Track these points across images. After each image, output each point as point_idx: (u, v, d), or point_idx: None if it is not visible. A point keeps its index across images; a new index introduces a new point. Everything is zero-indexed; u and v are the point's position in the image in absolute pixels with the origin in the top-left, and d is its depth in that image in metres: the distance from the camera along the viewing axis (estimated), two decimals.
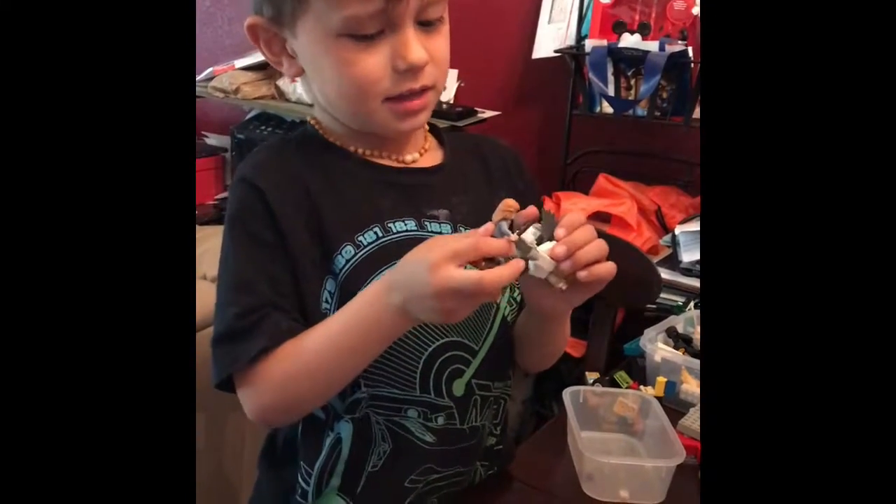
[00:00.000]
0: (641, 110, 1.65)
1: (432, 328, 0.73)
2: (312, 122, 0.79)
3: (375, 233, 0.73)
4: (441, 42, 0.71)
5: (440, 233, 0.75)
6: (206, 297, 0.74)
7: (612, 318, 1.23)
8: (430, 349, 0.73)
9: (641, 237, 1.60)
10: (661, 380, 1.07)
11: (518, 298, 0.81)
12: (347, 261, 0.72)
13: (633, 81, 1.65)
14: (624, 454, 0.92)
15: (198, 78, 1.93)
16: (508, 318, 0.79)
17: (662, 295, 1.39)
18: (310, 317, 0.72)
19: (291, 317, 0.70)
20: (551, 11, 1.83)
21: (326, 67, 0.69)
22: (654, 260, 1.49)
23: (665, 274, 1.41)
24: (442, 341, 0.74)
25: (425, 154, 0.79)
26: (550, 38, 1.81)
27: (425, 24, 0.69)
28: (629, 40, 1.64)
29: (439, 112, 1.71)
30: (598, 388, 1.03)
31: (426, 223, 0.75)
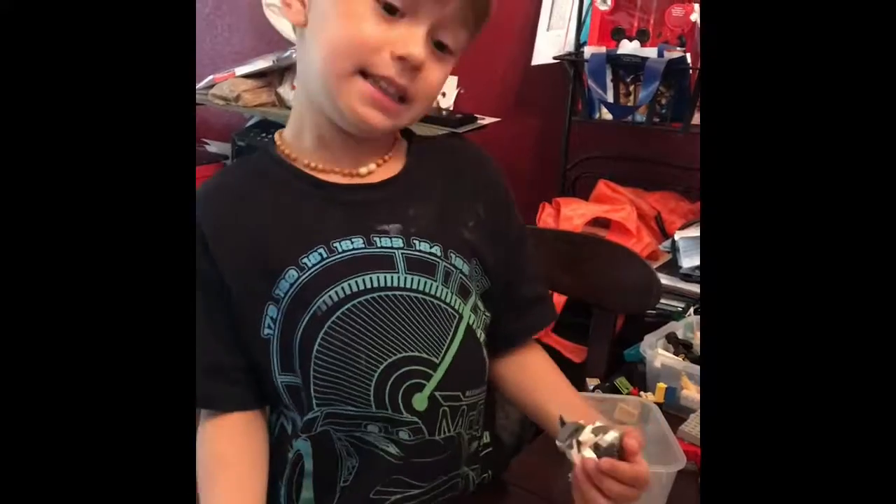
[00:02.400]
0: (640, 116, 1.65)
1: (383, 344, 0.72)
2: (277, 137, 0.79)
3: (320, 254, 0.72)
4: (438, 71, 0.72)
5: (391, 247, 0.74)
6: None
7: (612, 323, 1.23)
8: (382, 366, 0.72)
9: (641, 243, 1.61)
10: (662, 386, 1.07)
11: (480, 305, 0.80)
12: (291, 284, 0.71)
13: (631, 88, 1.65)
14: None
15: (198, 86, 1.94)
16: (473, 326, 0.77)
17: (662, 300, 1.39)
18: (250, 345, 0.74)
19: (222, 362, 0.74)
20: (550, 18, 1.84)
21: (335, 15, 0.69)
22: (654, 265, 1.48)
23: (665, 279, 1.41)
24: (396, 357, 0.72)
25: (385, 164, 0.78)
26: (549, 44, 1.82)
27: (438, 47, 0.70)
28: (628, 47, 1.65)
29: (439, 118, 1.71)
30: (599, 394, 1.03)
31: (375, 239, 0.74)
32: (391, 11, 0.68)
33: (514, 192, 0.87)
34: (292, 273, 0.71)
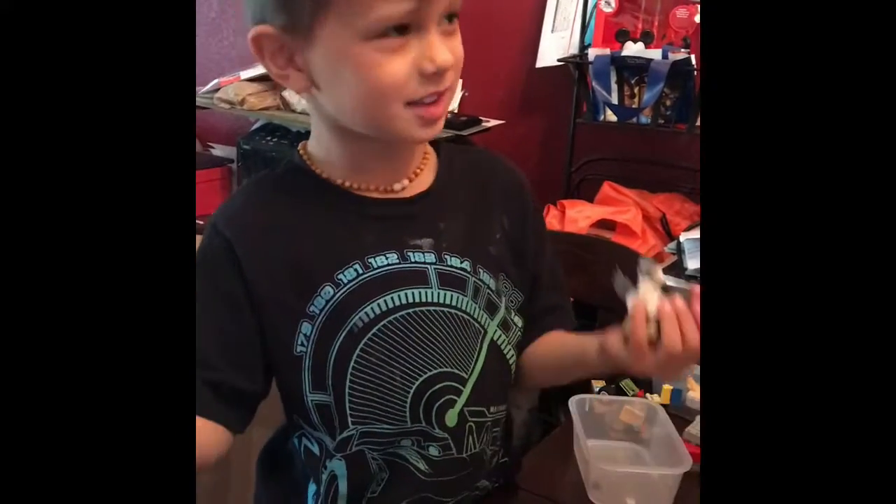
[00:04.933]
0: (645, 118, 1.65)
1: (418, 361, 0.72)
2: (301, 151, 0.76)
3: (356, 269, 0.71)
4: (458, 42, 0.68)
5: (424, 262, 0.73)
6: None
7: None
8: (417, 382, 0.72)
9: (646, 244, 1.60)
10: (667, 387, 1.07)
11: (515, 320, 0.79)
12: (327, 301, 0.71)
13: (636, 89, 1.65)
14: (630, 462, 0.93)
15: (204, 89, 1.94)
16: (499, 342, 0.77)
17: None
18: (280, 363, 0.72)
19: (227, 380, 0.69)
20: (554, 21, 1.84)
21: (347, 74, 0.65)
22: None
23: (670, 281, 1.41)
24: (430, 373, 0.72)
25: (417, 178, 0.76)
26: (554, 47, 1.82)
27: (448, 20, 0.66)
28: (632, 49, 1.65)
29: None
30: (604, 396, 1.03)
31: (409, 254, 0.73)
32: (395, 40, 0.63)
33: None
34: (328, 289, 0.71)
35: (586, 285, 1.18)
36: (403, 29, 0.63)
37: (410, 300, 0.72)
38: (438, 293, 0.73)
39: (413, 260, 0.73)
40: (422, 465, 0.74)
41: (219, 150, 2.19)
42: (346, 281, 0.71)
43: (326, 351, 0.71)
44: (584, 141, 1.81)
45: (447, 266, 0.74)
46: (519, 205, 0.82)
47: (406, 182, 0.75)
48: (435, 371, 0.72)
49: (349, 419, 0.72)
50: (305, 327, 0.71)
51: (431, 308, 0.73)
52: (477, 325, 0.75)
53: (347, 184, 0.74)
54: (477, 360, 0.75)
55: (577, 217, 1.65)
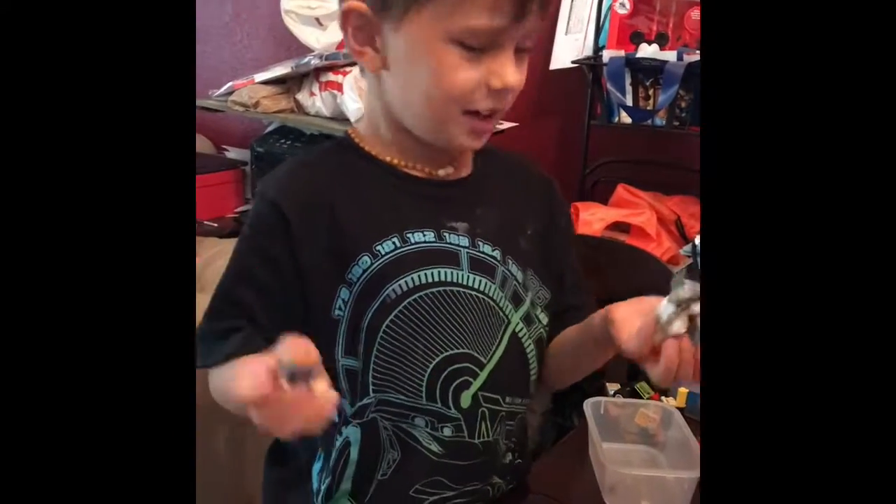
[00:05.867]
0: (660, 120, 1.65)
1: (441, 337, 0.74)
2: (350, 131, 0.80)
3: (394, 242, 0.74)
4: (524, 72, 0.72)
5: (458, 245, 0.75)
6: None
7: None
8: (437, 358, 0.74)
9: (661, 247, 1.60)
10: (683, 390, 1.07)
11: (541, 317, 0.81)
12: (364, 270, 0.73)
13: (651, 91, 1.65)
14: (646, 466, 0.92)
15: (217, 92, 1.95)
16: (520, 335, 0.79)
17: None
18: (318, 326, 0.73)
19: (266, 336, 0.68)
20: (568, 22, 1.83)
21: (423, 69, 0.69)
22: (675, 270, 1.48)
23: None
24: (450, 352, 0.74)
25: (459, 167, 0.80)
26: (568, 48, 1.82)
27: (519, 51, 0.70)
28: (647, 50, 1.64)
29: None
30: (619, 399, 1.02)
31: (445, 234, 0.76)
32: (476, 51, 0.68)
33: None
34: (366, 259, 0.73)
35: (601, 288, 1.17)
36: (486, 43, 0.67)
37: (442, 278, 0.74)
38: (468, 276, 0.75)
39: (448, 241, 0.76)
40: (434, 447, 0.75)
41: (232, 153, 2.20)
42: (383, 252, 0.73)
43: (361, 317, 0.73)
44: (598, 143, 1.80)
45: (479, 252, 0.76)
46: (549, 206, 0.85)
47: (451, 169, 0.79)
48: (455, 351, 0.74)
49: (370, 386, 0.74)
50: (344, 292, 0.73)
51: (460, 289, 0.75)
52: (501, 313, 0.77)
53: (395, 162, 0.77)
54: (497, 347, 0.77)
55: (591, 219, 1.65)
